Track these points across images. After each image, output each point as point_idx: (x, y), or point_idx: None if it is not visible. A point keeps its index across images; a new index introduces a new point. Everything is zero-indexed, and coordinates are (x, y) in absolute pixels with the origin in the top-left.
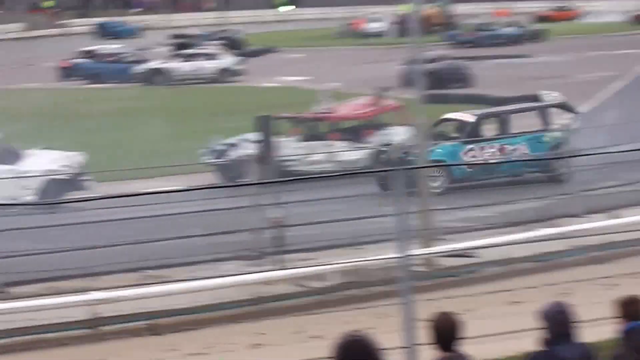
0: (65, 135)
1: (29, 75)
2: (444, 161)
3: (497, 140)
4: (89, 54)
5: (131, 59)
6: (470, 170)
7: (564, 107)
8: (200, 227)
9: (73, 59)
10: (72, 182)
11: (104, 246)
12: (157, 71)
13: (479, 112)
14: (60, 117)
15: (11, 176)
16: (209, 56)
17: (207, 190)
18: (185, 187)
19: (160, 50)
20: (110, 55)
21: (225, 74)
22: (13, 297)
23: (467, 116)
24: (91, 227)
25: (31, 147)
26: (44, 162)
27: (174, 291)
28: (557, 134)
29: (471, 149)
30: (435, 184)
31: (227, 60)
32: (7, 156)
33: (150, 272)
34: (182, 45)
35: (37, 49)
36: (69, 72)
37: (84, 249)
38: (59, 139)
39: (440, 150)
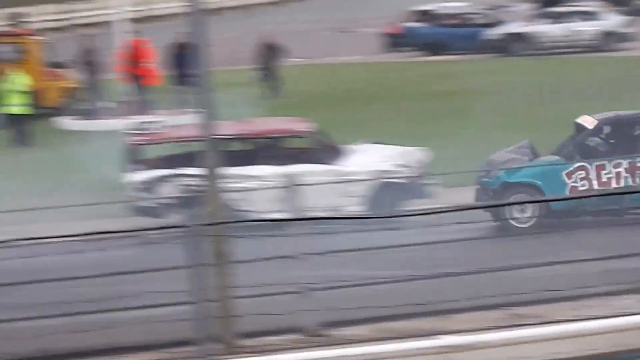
0: (398, 124)
1: (345, 46)
2: (536, 185)
3: (623, 157)
4: (425, 16)
5: (481, 21)
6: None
7: None
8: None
9: (402, 22)
10: (411, 187)
11: (457, 274)
12: (516, 36)
13: (602, 116)
14: (389, 99)
15: (332, 180)
16: (587, 15)
17: None
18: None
19: (519, 9)
20: (453, 16)
21: (610, 39)
22: (336, 342)
23: (588, 120)
24: (435, 249)
25: (354, 140)
26: (373, 160)
27: (553, 335)
28: None
29: (581, 168)
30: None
31: (612, 20)
32: (325, 153)
33: (517, 309)
34: (549, 1)
35: (353, 8)
36: (397, 40)
37: (428, 278)
38: (390, 129)
39: (531, 169)
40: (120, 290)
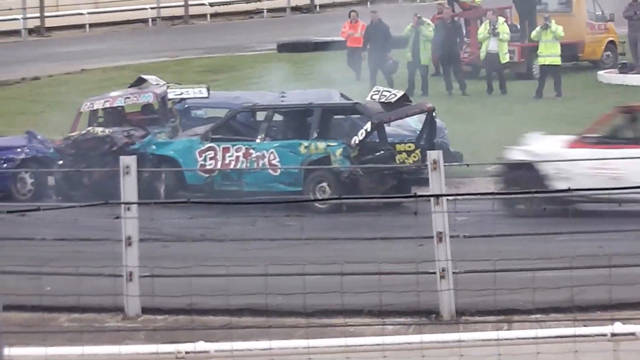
0: None
1: None
2: (175, 160)
3: (244, 142)
4: None
5: None
6: (208, 176)
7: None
8: None
9: None
10: None
11: None
12: None
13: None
14: None
15: None
16: None
17: None
18: None
19: None
20: None
21: None
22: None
23: None
24: None
25: None
26: None
27: None
28: (322, 144)
29: (210, 148)
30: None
31: None
32: None
33: None
34: None
35: None
36: None
37: None
38: None
39: (177, 144)
40: None
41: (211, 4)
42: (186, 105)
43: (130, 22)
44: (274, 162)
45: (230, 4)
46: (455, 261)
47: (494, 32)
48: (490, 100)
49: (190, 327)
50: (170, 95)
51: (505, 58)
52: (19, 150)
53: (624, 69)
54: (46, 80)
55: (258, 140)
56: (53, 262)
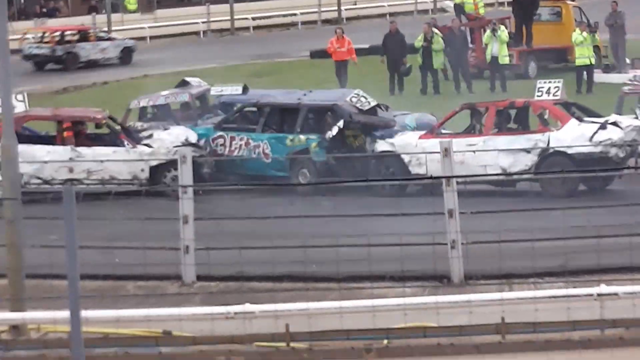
0: None
1: None
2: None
3: (247, 132)
4: None
5: None
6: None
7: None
8: None
9: None
10: None
11: None
12: None
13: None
14: None
15: None
16: None
17: None
18: None
19: None
20: None
21: None
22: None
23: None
24: None
25: None
26: None
27: None
28: (303, 138)
29: (221, 137)
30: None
31: None
32: None
33: None
34: None
35: None
36: None
37: None
38: None
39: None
40: None
41: (253, 18)
42: (222, 100)
43: (184, 34)
44: (266, 151)
45: (269, 18)
46: (465, 233)
47: (496, 37)
48: (493, 97)
49: (238, 291)
50: (212, 92)
51: (505, 60)
52: None
53: (607, 69)
54: (114, 85)
55: (255, 132)
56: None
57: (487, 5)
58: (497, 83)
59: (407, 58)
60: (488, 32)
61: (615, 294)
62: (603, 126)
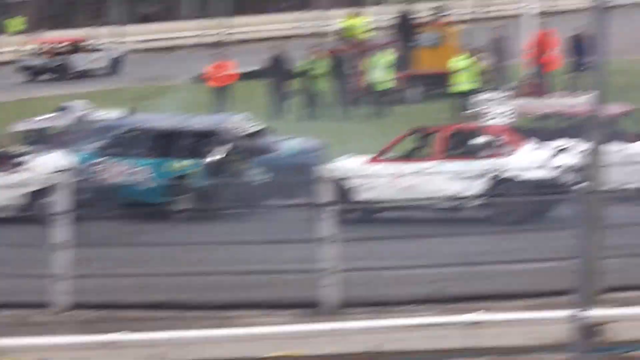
0: None
1: None
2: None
3: (127, 157)
4: None
5: None
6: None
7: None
8: None
9: None
10: None
11: None
12: None
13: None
14: None
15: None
16: None
17: None
18: None
19: None
20: None
21: None
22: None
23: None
24: None
25: None
26: None
27: None
28: (186, 162)
29: (102, 162)
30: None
31: None
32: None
33: None
34: None
35: None
36: None
37: None
38: None
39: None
40: None
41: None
42: (103, 125)
43: None
44: (147, 177)
45: (151, 41)
46: (349, 260)
47: (377, 63)
48: (376, 122)
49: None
50: (93, 117)
51: (386, 85)
52: None
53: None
54: None
55: (138, 157)
56: None
57: (374, 29)
58: (378, 108)
59: (290, 82)
60: (371, 57)
61: (488, 322)
62: (559, 151)
